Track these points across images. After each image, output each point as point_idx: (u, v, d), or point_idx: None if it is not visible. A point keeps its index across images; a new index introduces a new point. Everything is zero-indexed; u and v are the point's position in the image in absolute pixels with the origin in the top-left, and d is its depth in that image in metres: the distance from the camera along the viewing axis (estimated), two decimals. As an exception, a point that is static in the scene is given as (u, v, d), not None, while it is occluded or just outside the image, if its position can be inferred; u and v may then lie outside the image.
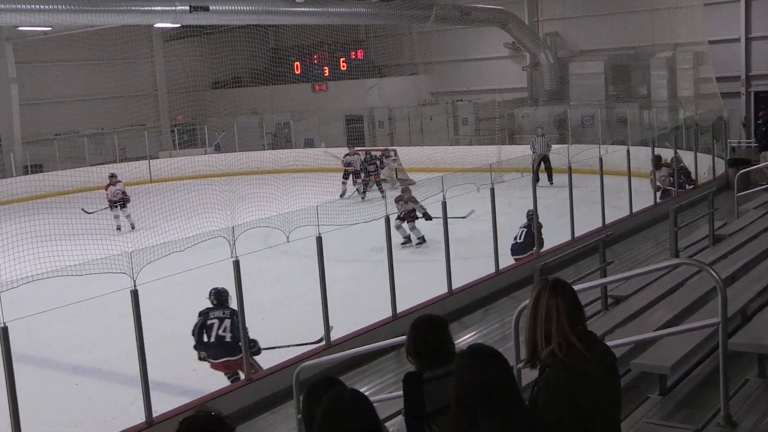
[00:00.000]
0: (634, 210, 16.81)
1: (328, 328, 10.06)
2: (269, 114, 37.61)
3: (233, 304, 9.79)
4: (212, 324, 9.89)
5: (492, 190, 13.25)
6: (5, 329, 7.75)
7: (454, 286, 12.16)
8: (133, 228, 21.84)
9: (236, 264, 9.34)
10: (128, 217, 22.09)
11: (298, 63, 39.35)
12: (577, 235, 14.81)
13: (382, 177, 25.39)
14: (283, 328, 12.36)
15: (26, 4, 20.45)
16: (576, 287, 4.15)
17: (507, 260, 13.53)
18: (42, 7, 20.60)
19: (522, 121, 32.64)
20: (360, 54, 38.37)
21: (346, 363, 9.51)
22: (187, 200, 23.52)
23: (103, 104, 35.96)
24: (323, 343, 10.21)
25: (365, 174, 24.35)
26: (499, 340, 10.01)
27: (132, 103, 36.44)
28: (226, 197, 20.39)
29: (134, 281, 8.49)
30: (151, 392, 8.54)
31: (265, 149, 35.02)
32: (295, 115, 36.69)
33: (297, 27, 33.12)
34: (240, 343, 9.45)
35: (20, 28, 28.68)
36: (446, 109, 34.82)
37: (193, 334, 10.02)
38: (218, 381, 9.86)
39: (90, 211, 21.95)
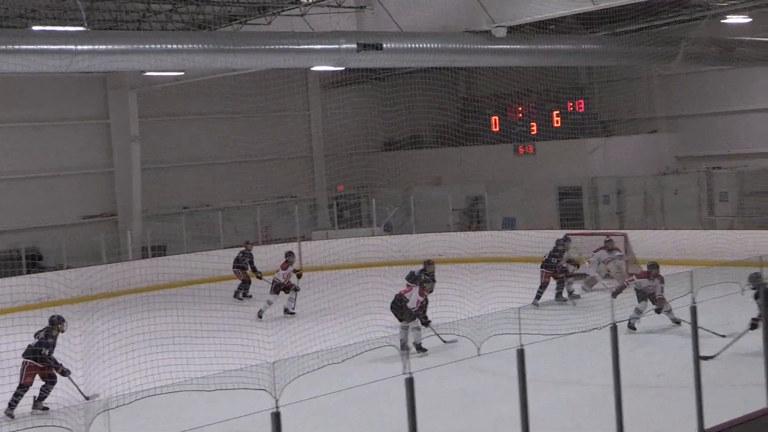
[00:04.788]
0: None
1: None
2: (457, 184, 38.02)
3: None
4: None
5: (765, 291, 12.81)
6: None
7: (710, 423, 11.77)
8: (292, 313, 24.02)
9: (409, 382, 9.42)
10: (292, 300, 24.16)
11: (496, 117, 39.76)
12: None
13: (602, 274, 24.97)
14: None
15: (156, 44, 21.82)
16: None
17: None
18: (175, 46, 21.92)
19: (807, 197, 31.58)
20: (580, 105, 38.37)
21: None
22: (347, 295, 24.02)
23: (242, 169, 37.50)
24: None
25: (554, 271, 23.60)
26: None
27: (280, 168, 37.80)
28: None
29: (276, 401, 8.71)
30: None
31: (450, 230, 35.35)
32: (490, 185, 36.93)
33: (496, 70, 33.52)
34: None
35: (147, 74, 30.54)
36: (698, 179, 34.13)
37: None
38: None
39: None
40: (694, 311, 11.98)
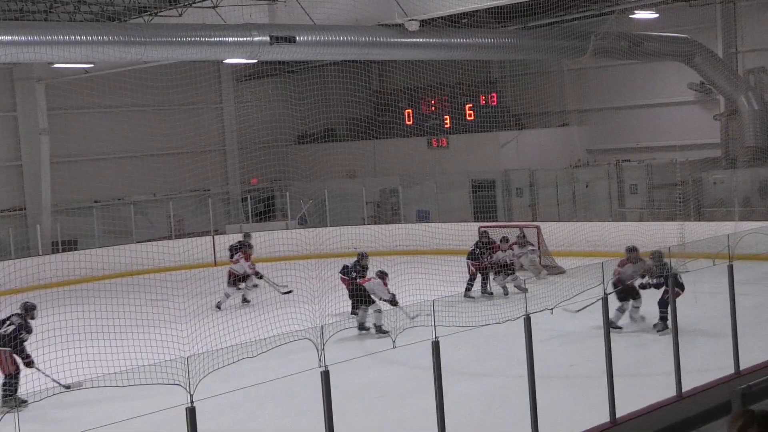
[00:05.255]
0: None
1: None
2: (371, 177, 38.07)
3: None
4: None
5: (672, 283, 13.02)
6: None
7: (619, 413, 11.94)
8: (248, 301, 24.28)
9: (325, 375, 9.42)
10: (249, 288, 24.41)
11: (409, 111, 39.88)
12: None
13: (516, 267, 25.31)
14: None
15: (64, 35, 21.45)
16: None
17: (693, 380, 13.25)
18: (84, 38, 21.57)
19: (714, 189, 32.11)
20: (492, 99, 38.63)
21: None
22: (262, 290, 23.95)
23: (155, 163, 37.09)
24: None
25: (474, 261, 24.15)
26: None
27: (193, 161, 37.45)
28: (313, 286, 20.63)
29: (191, 396, 8.66)
30: None
31: (365, 223, 35.37)
32: (404, 179, 37.04)
33: (409, 64, 33.63)
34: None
35: (55, 66, 30.04)
36: (608, 172, 34.57)
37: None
38: None
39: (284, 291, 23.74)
40: (605, 301, 12.15)
